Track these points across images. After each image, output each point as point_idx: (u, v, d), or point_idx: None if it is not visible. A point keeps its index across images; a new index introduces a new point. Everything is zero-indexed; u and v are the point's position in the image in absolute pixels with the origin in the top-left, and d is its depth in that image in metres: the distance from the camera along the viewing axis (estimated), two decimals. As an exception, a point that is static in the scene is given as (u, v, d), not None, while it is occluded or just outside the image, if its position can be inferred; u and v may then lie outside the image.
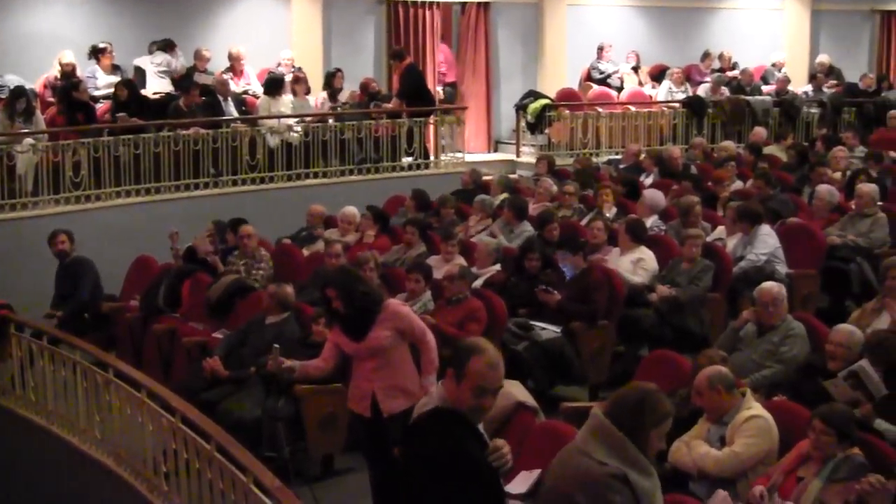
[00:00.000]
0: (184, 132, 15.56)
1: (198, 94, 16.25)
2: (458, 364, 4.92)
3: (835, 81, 21.96)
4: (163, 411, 7.63)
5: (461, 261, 11.06)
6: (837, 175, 14.58)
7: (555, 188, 14.33)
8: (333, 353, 7.76)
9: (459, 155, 18.62)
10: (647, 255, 11.11)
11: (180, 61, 17.36)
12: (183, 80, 16.90)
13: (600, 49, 21.19)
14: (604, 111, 19.93)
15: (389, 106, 17.94)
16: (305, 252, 12.77)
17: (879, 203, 12.58)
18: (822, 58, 22.78)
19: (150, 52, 17.23)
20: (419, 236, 12.22)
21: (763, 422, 6.92)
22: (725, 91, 20.58)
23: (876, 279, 10.66)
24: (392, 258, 12.06)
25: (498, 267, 11.32)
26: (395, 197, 15.09)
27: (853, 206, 12.43)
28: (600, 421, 4.85)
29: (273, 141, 16.45)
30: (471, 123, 20.21)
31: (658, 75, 21.42)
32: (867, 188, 12.31)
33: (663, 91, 20.66)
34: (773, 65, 22.38)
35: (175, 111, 15.92)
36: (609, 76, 21.04)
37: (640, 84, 21.31)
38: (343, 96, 18.18)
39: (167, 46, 17.25)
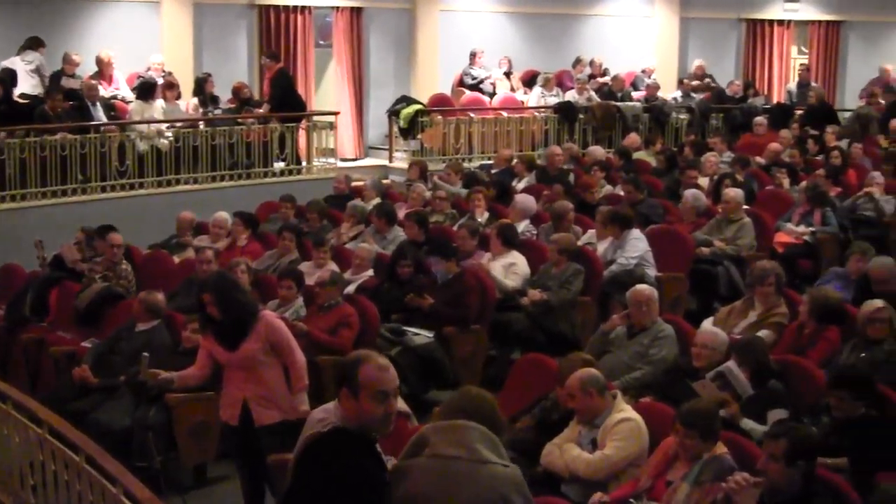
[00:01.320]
0: (50, 137, 15.29)
1: (62, 99, 15.95)
2: (348, 379, 4.85)
3: (706, 84, 22.30)
4: (29, 423, 7.47)
5: (333, 267, 11.05)
6: (705, 180, 14.80)
7: (427, 193, 14.37)
8: (208, 361, 7.68)
9: (331, 160, 18.60)
10: (518, 260, 11.18)
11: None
12: (49, 84, 16.63)
13: (473, 55, 21.30)
14: (476, 117, 20.00)
15: (261, 111, 17.84)
16: (176, 259, 12.65)
17: (746, 207, 12.82)
18: (698, 62, 23.15)
19: (19, 54, 16.91)
20: (296, 243, 12.17)
21: (633, 424, 7.00)
22: (593, 93, 20.83)
23: (742, 282, 10.86)
24: (265, 264, 11.98)
25: (370, 272, 11.31)
26: (266, 203, 14.99)
27: (720, 211, 12.64)
28: (477, 428, 4.80)
29: (143, 146, 16.25)
30: (343, 129, 20.17)
31: (530, 81, 21.60)
32: (733, 193, 12.53)
33: (534, 96, 20.81)
34: (643, 71, 22.69)
35: (41, 115, 15.63)
36: (481, 82, 21.18)
37: (513, 90, 21.47)
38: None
39: (35, 44, 16.93)
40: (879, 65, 23.58)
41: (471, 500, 4.64)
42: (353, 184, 15.84)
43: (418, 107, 19.63)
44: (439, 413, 5.20)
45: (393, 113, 19.77)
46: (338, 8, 20.76)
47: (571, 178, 15.45)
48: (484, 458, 4.71)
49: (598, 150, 17.60)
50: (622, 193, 14.04)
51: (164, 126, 16.59)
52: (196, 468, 9.05)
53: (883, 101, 20.87)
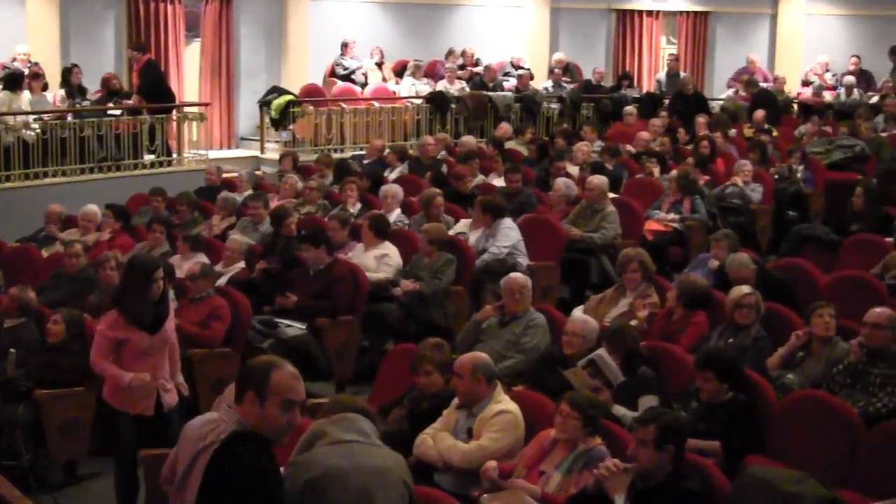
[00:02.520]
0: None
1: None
2: (257, 384, 4.75)
3: (558, 76, 22.46)
4: None
5: (203, 259, 10.95)
6: (575, 169, 14.92)
7: (300, 184, 14.31)
8: (114, 351, 7.61)
9: (202, 152, 18.44)
10: (390, 251, 11.18)
11: None
12: None
13: (344, 45, 21.23)
14: (348, 107, 19.93)
15: (130, 102, 17.60)
16: (45, 253, 12.44)
17: (614, 195, 12.96)
18: (559, 55, 23.32)
19: None
20: (166, 235, 12.05)
21: (511, 416, 7.02)
22: (464, 83, 20.92)
23: (613, 270, 10.98)
24: (135, 258, 11.83)
25: (242, 264, 11.23)
26: (137, 195, 14.81)
27: (584, 199, 12.71)
28: (366, 420, 5.12)
29: (9, 139, 15.92)
30: (214, 120, 20.03)
31: (402, 71, 21.62)
32: (597, 181, 12.57)
33: (405, 85, 20.84)
34: (514, 61, 22.80)
35: None
36: (353, 72, 21.12)
37: (384, 80, 21.45)
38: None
39: None
40: (746, 55, 24.11)
41: (378, 473, 4.93)
42: (225, 175, 15.71)
43: (290, 97, 19.49)
44: (324, 414, 5.24)
45: (264, 104, 19.63)
46: (207, -3, 20.59)
47: (444, 168, 15.48)
48: (378, 443, 5.06)
49: (470, 140, 17.65)
50: (496, 183, 14.15)
51: (30, 118, 16.25)
52: (67, 465, 8.89)
53: (746, 93, 21.30)
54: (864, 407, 7.39)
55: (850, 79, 22.30)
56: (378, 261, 11.03)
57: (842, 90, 22.17)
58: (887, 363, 7.61)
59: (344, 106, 19.92)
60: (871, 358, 7.69)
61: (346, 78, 21.02)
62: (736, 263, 9.77)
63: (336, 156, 17.50)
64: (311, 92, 20.35)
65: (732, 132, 18.15)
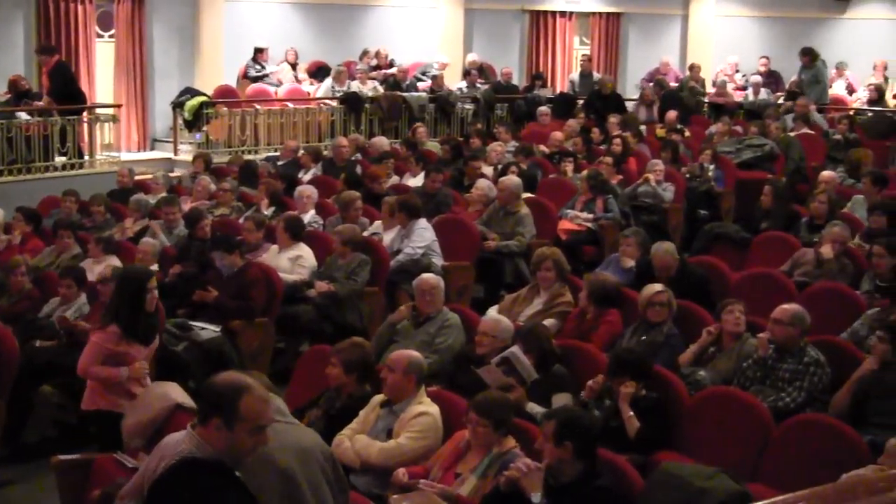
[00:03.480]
0: None
1: None
2: (225, 410, 4.50)
3: (474, 78, 22.51)
4: None
5: (115, 262, 10.84)
6: (490, 169, 14.96)
7: (213, 186, 14.23)
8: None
9: (115, 154, 18.27)
10: (305, 252, 11.16)
11: None
12: None
13: (259, 51, 21.17)
14: (262, 108, 19.86)
15: (40, 104, 17.39)
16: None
17: (529, 195, 13.00)
18: (473, 56, 23.39)
19: None
20: (74, 238, 11.91)
21: (431, 420, 7.06)
22: (377, 83, 20.93)
23: (528, 269, 11.03)
24: (45, 261, 11.70)
25: (155, 267, 11.13)
26: (48, 198, 14.66)
27: (497, 200, 12.72)
28: (281, 399, 5.36)
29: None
30: (126, 121, 19.86)
31: (316, 72, 21.57)
32: (509, 182, 12.57)
33: (324, 89, 20.79)
34: (429, 63, 22.81)
35: None
36: (267, 73, 21.04)
37: (298, 81, 21.41)
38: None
39: None
40: (658, 56, 24.40)
41: (300, 452, 5.10)
42: (138, 177, 15.59)
43: (203, 99, 19.38)
44: None
45: (177, 105, 19.49)
46: (120, -2, 20.38)
47: (358, 168, 15.47)
48: (293, 420, 5.27)
49: (382, 141, 17.62)
50: (410, 184, 14.17)
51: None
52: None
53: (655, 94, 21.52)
54: (774, 402, 7.51)
55: (757, 78, 22.58)
56: (292, 262, 11.02)
57: (749, 90, 22.43)
58: (795, 359, 7.74)
59: (258, 107, 19.85)
60: (779, 354, 7.82)
61: (260, 79, 20.95)
62: (661, 252, 9.90)
63: (249, 157, 17.45)
64: (224, 93, 20.26)
65: (643, 128, 18.31)
